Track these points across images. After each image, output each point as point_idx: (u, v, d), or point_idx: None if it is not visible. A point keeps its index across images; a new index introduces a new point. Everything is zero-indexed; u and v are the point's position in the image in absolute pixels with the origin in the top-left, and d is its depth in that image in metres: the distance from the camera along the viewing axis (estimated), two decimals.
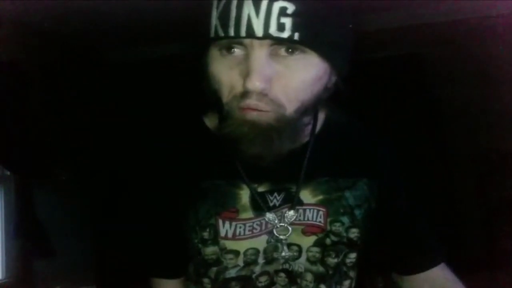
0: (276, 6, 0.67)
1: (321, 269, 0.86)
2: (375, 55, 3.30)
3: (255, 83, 0.69)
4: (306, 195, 0.84)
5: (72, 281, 2.92)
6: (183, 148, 0.86)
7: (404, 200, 0.94)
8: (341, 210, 0.85)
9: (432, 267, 0.93)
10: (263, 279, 0.84)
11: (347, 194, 0.86)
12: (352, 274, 0.90)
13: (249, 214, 0.82)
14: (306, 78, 0.73)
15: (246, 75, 0.70)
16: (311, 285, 0.86)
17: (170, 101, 3.66)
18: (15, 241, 2.80)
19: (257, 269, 0.84)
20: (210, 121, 0.88)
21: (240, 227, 0.82)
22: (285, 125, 0.73)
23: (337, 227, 0.85)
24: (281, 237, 0.83)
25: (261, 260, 0.84)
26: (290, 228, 0.83)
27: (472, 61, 3.13)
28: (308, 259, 0.85)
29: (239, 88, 0.72)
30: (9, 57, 2.75)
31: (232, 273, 0.83)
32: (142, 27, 3.22)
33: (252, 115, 0.72)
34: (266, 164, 0.76)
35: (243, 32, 0.69)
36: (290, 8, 0.68)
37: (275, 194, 0.83)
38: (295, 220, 0.83)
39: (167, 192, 0.86)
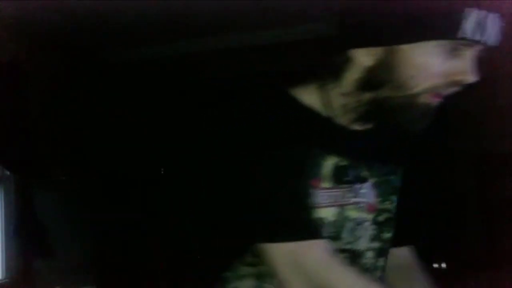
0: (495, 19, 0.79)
1: (378, 245, 0.93)
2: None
3: (474, 77, 0.81)
4: (367, 175, 0.93)
5: (72, 281, 2.92)
6: (282, 119, 0.88)
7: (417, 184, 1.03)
8: (390, 190, 0.95)
9: (406, 245, 1.03)
10: (370, 254, 0.92)
11: (393, 177, 0.96)
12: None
13: (330, 184, 0.88)
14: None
15: (464, 69, 0.81)
16: (372, 261, 0.92)
17: (171, 101, 3.67)
18: (15, 241, 2.80)
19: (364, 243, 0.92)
20: (302, 95, 0.92)
21: (322, 196, 0.88)
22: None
23: (387, 205, 0.94)
24: (351, 214, 0.89)
25: (327, 234, 0.87)
26: (358, 206, 0.90)
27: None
28: (371, 238, 0.92)
29: (452, 78, 0.82)
30: (9, 57, 2.76)
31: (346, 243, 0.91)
32: (142, 27, 3.23)
33: (437, 102, 0.84)
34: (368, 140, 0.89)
35: (489, 40, 0.79)
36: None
37: (350, 170, 0.90)
38: (361, 198, 0.91)
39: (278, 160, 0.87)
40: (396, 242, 0.99)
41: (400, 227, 0.98)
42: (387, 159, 0.95)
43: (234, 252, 0.97)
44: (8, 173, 2.86)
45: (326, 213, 0.87)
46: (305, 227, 0.84)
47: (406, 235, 1.01)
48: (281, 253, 0.82)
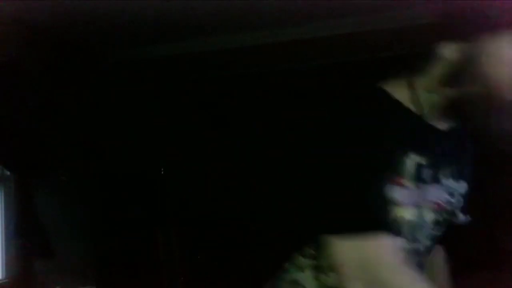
0: None
1: (430, 243, 0.93)
2: (375, 55, 3.30)
3: None
4: (441, 176, 0.92)
5: (72, 281, 2.92)
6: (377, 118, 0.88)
7: None
8: (456, 192, 0.95)
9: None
10: None
11: (462, 183, 0.97)
12: None
13: (411, 183, 0.87)
14: None
15: None
16: (426, 259, 0.93)
17: (171, 101, 3.67)
18: (15, 241, 2.80)
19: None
20: (393, 90, 0.91)
21: (402, 194, 0.86)
22: None
23: (448, 206, 0.94)
24: (425, 214, 0.89)
25: (401, 233, 0.86)
26: (431, 206, 0.90)
27: None
28: (429, 236, 0.92)
29: None
30: (9, 57, 2.75)
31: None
32: (142, 27, 3.22)
33: None
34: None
35: None
36: None
37: (430, 169, 0.89)
38: (434, 198, 0.91)
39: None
40: None
41: None
42: (461, 161, 0.96)
43: (297, 243, 0.96)
44: (8, 173, 2.86)
45: (405, 212, 0.86)
46: (375, 223, 0.82)
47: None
48: (348, 247, 0.82)
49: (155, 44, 3.56)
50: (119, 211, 3.43)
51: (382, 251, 0.81)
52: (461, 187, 0.96)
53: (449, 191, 0.93)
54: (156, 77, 3.67)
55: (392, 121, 0.86)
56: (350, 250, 0.82)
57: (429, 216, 0.90)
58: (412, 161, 0.86)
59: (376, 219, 0.82)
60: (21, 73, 2.81)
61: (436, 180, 0.90)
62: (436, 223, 0.93)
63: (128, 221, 3.39)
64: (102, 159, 3.47)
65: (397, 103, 0.88)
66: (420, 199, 0.88)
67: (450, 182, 0.93)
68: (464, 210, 0.99)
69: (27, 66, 2.88)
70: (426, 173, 0.88)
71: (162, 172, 3.59)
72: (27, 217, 2.79)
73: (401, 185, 0.85)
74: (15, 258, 2.83)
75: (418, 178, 0.87)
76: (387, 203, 0.84)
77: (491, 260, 2.83)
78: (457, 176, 0.95)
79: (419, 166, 0.87)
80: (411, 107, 0.88)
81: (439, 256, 1.03)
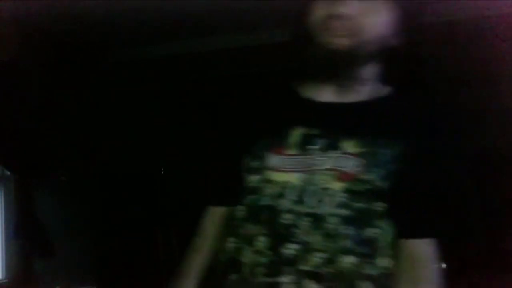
0: None
1: (347, 212, 0.92)
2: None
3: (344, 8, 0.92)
4: (348, 145, 0.95)
5: (72, 281, 2.92)
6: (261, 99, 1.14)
7: (431, 165, 1.02)
8: (375, 163, 0.95)
9: (418, 238, 0.98)
10: (288, 216, 0.92)
11: (383, 150, 0.96)
12: (381, 224, 0.94)
13: (295, 151, 0.97)
14: (378, 20, 0.96)
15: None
16: (336, 227, 0.92)
17: (171, 101, 3.67)
18: (15, 241, 2.80)
19: (285, 205, 0.93)
20: (300, 86, 1.07)
21: (285, 161, 0.97)
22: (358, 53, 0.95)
23: (368, 176, 0.93)
24: (317, 179, 0.94)
25: (290, 197, 0.94)
26: (327, 172, 0.94)
27: (472, 61, 3.13)
28: (337, 204, 0.92)
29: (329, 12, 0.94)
30: (9, 57, 2.75)
31: (264, 201, 0.96)
32: (142, 27, 3.23)
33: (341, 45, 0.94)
34: (326, 108, 0.99)
35: None
36: None
37: (323, 139, 0.97)
38: (333, 165, 0.94)
39: (233, 131, 1.13)
40: (406, 233, 0.96)
41: (408, 218, 0.96)
42: (376, 132, 0.97)
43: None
44: (8, 173, 2.86)
45: (289, 177, 0.95)
46: (221, 193, 1.09)
47: (415, 226, 0.97)
48: (211, 214, 1.12)
49: (155, 44, 3.57)
50: (119, 211, 3.43)
51: (209, 219, 1.11)
52: (382, 158, 0.94)
53: (362, 160, 0.94)
54: (156, 77, 3.67)
55: (277, 104, 1.06)
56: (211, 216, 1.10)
57: (326, 182, 0.93)
58: (298, 132, 0.98)
59: (228, 187, 1.03)
60: (21, 73, 2.81)
61: (334, 147, 0.95)
62: (351, 192, 0.92)
63: (128, 221, 3.39)
64: (102, 159, 3.47)
65: (293, 93, 1.06)
66: (308, 165, 0.95)
67: (359, 150, 0.95)
68: (400, 181, 0.95)
69: (27, 66, 2.88)
70: (318, 142, 0.96)
71: (162, 172, 3.59)
72: (27, 217, 2.79)
73: (282, 153, 0.97)
74: (15, 258, 2.84)
75: (303, 147, 0.97)
76: (241, 175, 1.01)
77: (491, 260, 2.83)
78: (377, 147, 0.95)
79: (305, 136, 0.97)
80: (309, 93, 1.03)
81: (423, 249, 0.99)
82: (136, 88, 3.64)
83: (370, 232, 0.92)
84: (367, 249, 0.92)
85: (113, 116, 3.54)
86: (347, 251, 0.90)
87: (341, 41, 0.93)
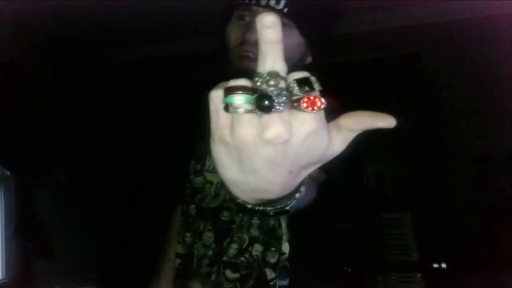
0: None
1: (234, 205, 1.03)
2: (376, 55, 3.30)
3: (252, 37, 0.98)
4: None
5: (72, 281, 2.92)
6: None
7: None
8: None
9: None
10: (226, 214, 1.03)
11: None
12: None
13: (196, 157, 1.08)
14: (287, 44, 0.90)
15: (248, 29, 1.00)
16: (229, 218, 1.04)
17: (171, 101, 3.67)
18: (15, 241, 2.80)
19: (222, 202, 1.03)
20: None
21: (198, 167, 1.08)
22: None
23: None
24: (209, 177, 1.07)
25: (198, 195, 1.07)
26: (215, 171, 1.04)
27: (472, 61, 3.13)
28: (223, 197, 1.06)
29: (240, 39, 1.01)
30: (9, 57, 2.76)
31: (208, 203, 1.06)
32: (142, 27, 3.23)
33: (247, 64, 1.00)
34: None
35: (253, 1, 1.00)
36: None
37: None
38: None
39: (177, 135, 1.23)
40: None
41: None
42: None
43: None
44: (8, 173, 2.86)
45: (199, 180, 1.08)
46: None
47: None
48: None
49: (155, 44, 3.57)
50: (119, 211, 3.43)
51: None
52: None
53: None
54: (156, 77, 3.67)
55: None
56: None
57: (215, 180, 1.07)
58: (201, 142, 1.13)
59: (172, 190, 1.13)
60: (21, 73, 2.81)
61: None
62: None
63: (128, 221, 3.39)
64: (102, 159, 3.47)
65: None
66: (203, 168, 1.10)
67: None
68: None
69: (27, 66, 2.89)
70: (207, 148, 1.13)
71: (162, 172, 3.59)
72: (27, 217, 2.79)
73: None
74: (15, 258, 2.84)
75: (201, 154, 1.12)
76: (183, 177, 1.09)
77: (491, 260, 2.83)
78: None
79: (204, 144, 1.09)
80: None
81: None
82: (136, 88, 3.64)
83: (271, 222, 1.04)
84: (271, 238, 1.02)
85: (113, 116, 3.54)
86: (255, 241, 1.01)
87: (251, 66, 0.99)
